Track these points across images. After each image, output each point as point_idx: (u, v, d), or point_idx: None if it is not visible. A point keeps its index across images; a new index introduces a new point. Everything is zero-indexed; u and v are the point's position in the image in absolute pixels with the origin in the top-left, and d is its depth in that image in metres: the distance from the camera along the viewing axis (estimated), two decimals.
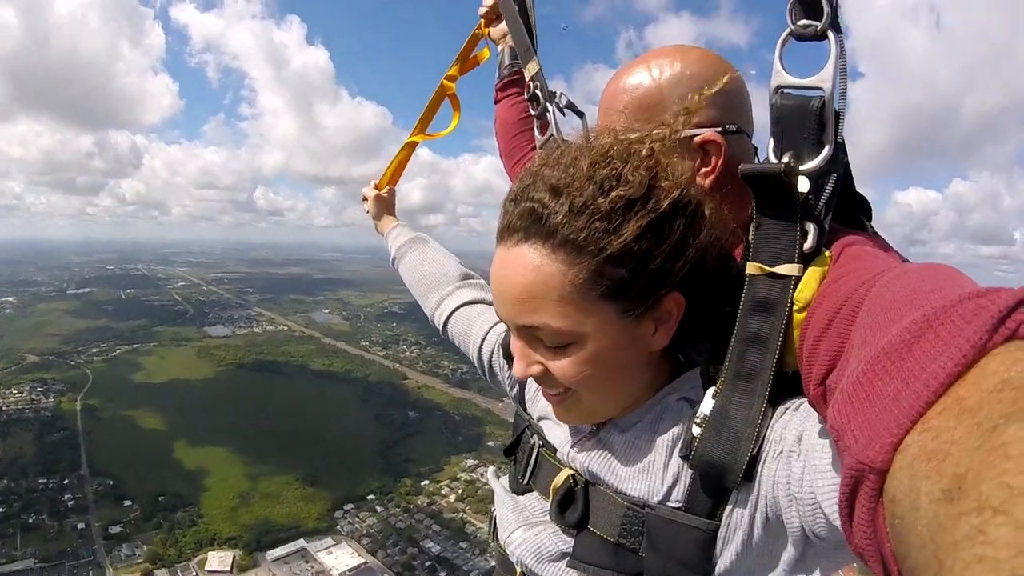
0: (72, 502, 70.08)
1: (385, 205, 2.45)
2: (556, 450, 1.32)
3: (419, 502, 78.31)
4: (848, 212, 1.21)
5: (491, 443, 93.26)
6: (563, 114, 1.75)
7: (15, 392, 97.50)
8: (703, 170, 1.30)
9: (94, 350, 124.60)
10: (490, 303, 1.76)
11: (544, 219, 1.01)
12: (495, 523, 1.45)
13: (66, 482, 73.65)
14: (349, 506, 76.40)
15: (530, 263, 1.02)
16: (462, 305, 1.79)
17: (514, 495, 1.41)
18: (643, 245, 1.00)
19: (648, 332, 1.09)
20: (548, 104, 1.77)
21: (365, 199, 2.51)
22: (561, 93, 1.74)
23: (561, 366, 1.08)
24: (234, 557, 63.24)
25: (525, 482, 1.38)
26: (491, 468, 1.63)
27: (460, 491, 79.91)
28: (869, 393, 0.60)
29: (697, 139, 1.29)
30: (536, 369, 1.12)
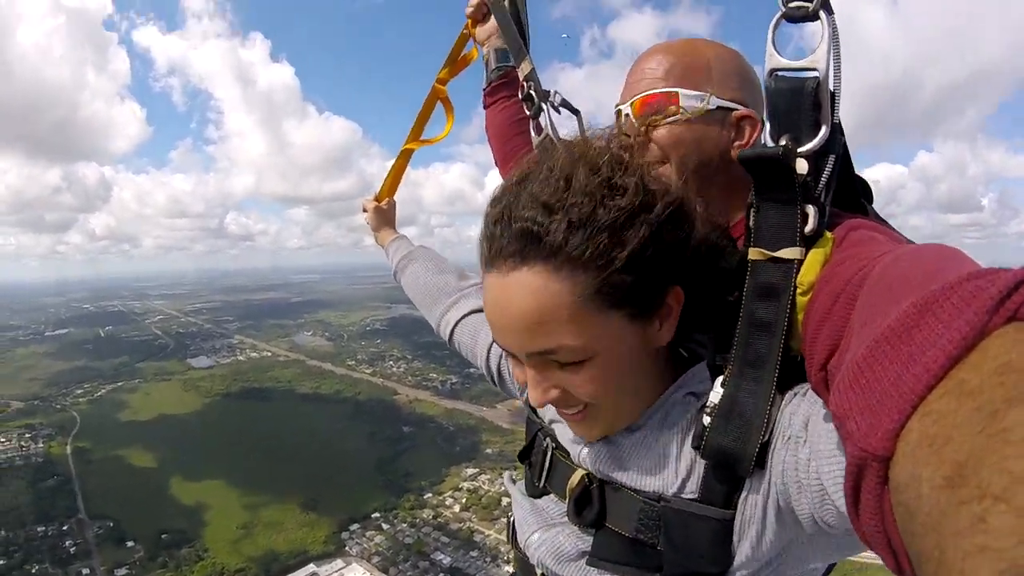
0: (74, 548, 68.59)
1: (385, 217, 2.43)
2: (569, 452, 1.31)
3: (424, 515, 77.86)
4: (849, 195, 1.21)
5: (488, 450, 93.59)
6: (558, 112, 1.75)
7: (3, 441, 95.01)
8: (737, 143, 1.32)
9: (78, 391, 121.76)
10: None
11: (541, 239, 0.97)
12: (513, 527, 1.43)
13: (65, 528, 71.96)
14: (355, 526, 75.77)
15: (533, 286, 0.98)
16: (466, 315, 1.78)
17: (531, 498, 1.40)
18: (647, 252, 0.99)
19: (654, 329, 1.08)
20: (543, 104, 1.76)
21: (365, 210, 2.47)
22: (555, 92, 1.74)
23: (580, 382, 1.06)
24: None
25: (541, 485, 1.36)
26: (507, 473, 1.64)
27: (464, 500, 79.65)
28: (869, 379, 0.59)
29: (736, 114, 1.31)
30: (554, 394, 1.10)
